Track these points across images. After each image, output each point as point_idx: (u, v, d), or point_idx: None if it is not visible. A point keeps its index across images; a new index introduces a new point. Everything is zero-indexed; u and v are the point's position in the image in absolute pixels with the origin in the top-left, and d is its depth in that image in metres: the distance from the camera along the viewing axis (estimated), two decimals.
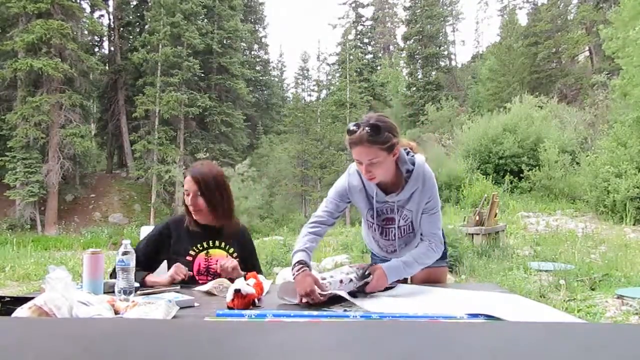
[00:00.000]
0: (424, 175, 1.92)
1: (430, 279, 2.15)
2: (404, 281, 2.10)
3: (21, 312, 1.27)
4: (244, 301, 1.50)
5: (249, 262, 2.23)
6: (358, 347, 0.72)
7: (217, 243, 2.19)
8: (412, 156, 1.95)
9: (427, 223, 1.97)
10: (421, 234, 2.01)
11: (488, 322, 1.30)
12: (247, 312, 1.42)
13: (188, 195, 2.15)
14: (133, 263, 1.63)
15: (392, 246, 2.08)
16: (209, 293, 1.79)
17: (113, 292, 1.65)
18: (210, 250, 2.17)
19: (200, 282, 2.04)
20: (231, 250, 2.20)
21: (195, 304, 1.61)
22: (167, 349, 0.70)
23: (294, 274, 1.73)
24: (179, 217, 2.27)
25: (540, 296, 5.14)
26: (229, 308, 1.50)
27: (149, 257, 2.14)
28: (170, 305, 1.37)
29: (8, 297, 1.46)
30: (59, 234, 20.66)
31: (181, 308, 1.47)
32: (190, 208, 2.15)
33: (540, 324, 1.25)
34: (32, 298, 1.32)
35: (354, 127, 1.78)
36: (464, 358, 0.67)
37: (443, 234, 2.04)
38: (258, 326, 1.02)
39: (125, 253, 1.62)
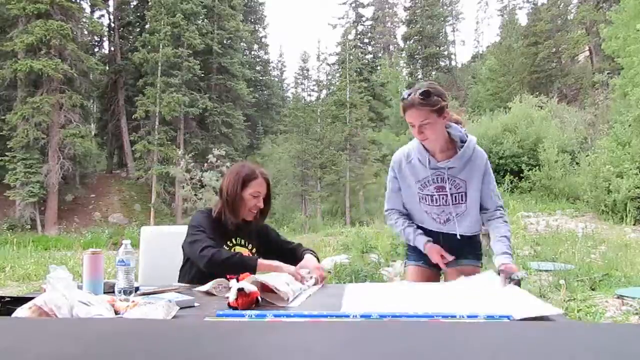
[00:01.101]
0: (475, 147, 2.10)
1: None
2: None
3: (21, 312, 1.27)
4: (247, 300, 1.49)
5: (280, 247, 2.28)
6: (358, 347, 0.72)
7: (240, 241, 2.22)
8: (465, 132, 2.11)
9: (489, 197, 2.14)
10: (486, 209, 2.15)
11: (488, 322, 1.30)
12: (248, 312, 1.42)
13: (257, 197, 2.14)
14: (133, 263, 1.63)
15: (444, 214, 2.16)
16: (208, 293, 1.79)
17: (113, 292, 1.65)
18: (236, 248, 2.20)
19: (229, 278, 2.05)
20: (250, 246, 2.24)
21: (195, 304, 1.61)
22: (167, 349, 0.70)
23: (424, 245, 2.13)
24: (206, 211, 2.24)
25: (540, 296, 5.14)
26: (233, 308, 1.49)
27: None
28: (170, 305, 1.37)
29: (8, 297, 1.46)
30: (59, 234, 20.65)
31: (181, 308, 1.47)
32: (255, 209, 2.16)
33: (541, 324, 1.25)
34: (32, 298, 1.32)
35: (407, 93, 1.98)
36: (464, 358, 0.67)
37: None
38: (258, 326, 1.02)
39: (125, 253, 1.62)
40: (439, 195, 2.12)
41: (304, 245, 2.38)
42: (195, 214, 2.25)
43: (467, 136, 2.09)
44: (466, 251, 2.20)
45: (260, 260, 1.96)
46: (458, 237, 2.16)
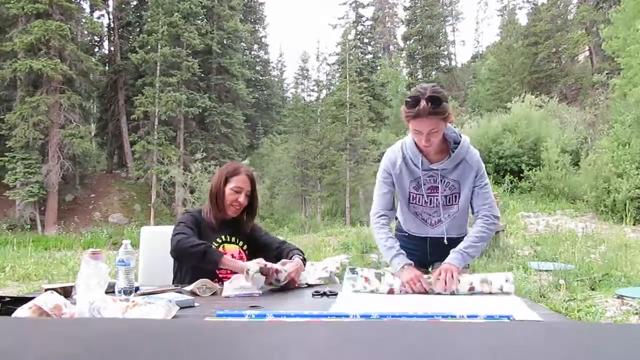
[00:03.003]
0: (469, 148, 2.04)
1: None
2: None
3: (21, 312, 1.27)
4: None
5: (269, 246, 2.28)
6: (358, 347, 0.72)
7: (229, 238, 2.24)
8: (459, 132, 2.06)
9: (480, 196, 2.06)
10: (475, 211, 2.09)
11: (488, 322, 1.30)
12: (247, 312, 1.42)
13: (239, 192, 2.16)
14: (133, 263, 1.64)
15: (436, 214, 2.12)
16: (193, 293, 1.79)
17: (113, 292, 1.65)
18: (226, 245, 2.21)
19: (220, 275, 2.08)
20: (241, 243, 2.26)
21: (195, 304, 1.61)
22: (167, 349, 0.70)
23: (401, 268, 1.90)
24: (195, 212, 2.28)
25: (541, 296, 5.14)
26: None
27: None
28: (170, 305, 1.37)
29: (8, 297, 1.46)
30: (59, 234, 20.64)
31: (181, 308, 1.47)
32: (237, 206, 2.17)
33: (540, 323, 1.25)
34: (32, 298, 1.32)
35: (414, 100, 1.85)
36: (464, 358, 0.67)
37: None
38: (258, 326, 1.02)
39: (125, 253, 1.62)
40: (433, 196, 2.08)
41: (304, 244, 2.39)
42: (181, 214, 2.28)
43: (460, 137, 2.05)
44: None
45: (225, 257, 1.99)
46: (445, 242, 2.10)
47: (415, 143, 2.02)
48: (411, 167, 2.05)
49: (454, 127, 2.08)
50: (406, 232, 2.22)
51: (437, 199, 2.07)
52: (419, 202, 2.10)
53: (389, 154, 2.12)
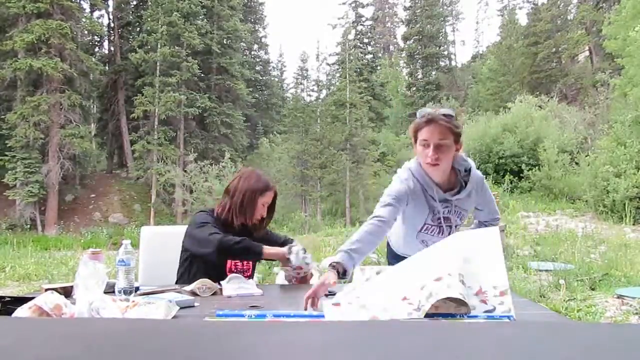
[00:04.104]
0: (478, 176, 2.04)
1: None
2: None
3: (21, 312, 1.27)
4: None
5: (279, 243, 2.39)
6: (358, 347, 0.72)
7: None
8: (466, 159, 2.03)
9: (484, 211, 2.14)
10: (480, 224, 2.16)
11: (488, 322, 1.30)
12: (247, 312, 1.42)
13: (265, 206, 2.30)
14: (133, 263, 1.64)
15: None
16: (193, 293, 1.79)
17: (113, 292, 1.65)
18: None
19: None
20: None
21: (195, 304, 1.61)
22: (167, 349, 0.70)
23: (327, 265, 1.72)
24: (209, 211, 2.34)
25: (541, 296, 5.14)
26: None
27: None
28: (170, 305, 1.37)
29: (8, 297, 1.46)
30: (59, 234, 20.65)
31: (181, 308, 1.47)
32: (261, 217, 2.31)
33: (540, 323, 1.25)
34: (32, 298, 1.32)
35: (426, 111, 1.89)
36: (464, 358, 0.67)
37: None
38: (258, 326, 1.02)
39: (125, 253, 1.62)
40: (445, 226, 2.07)
41: (304, 244, 2.40)
42: (198, 214, 2.33)
43: (469, 164, 2.05)
44: None
45: (265, 247, 2.13)
46: None
47: (423, 170, 1.94)
48: (428, 198, 1.99)
49: (465, 154, 2.07)
50: (402, 257, 2.10)
51: (448, 229, 2.07)
52: (430, 232, 2.09)
53: (404, 180, 1.97)
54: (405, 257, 2.05)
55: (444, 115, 1.85)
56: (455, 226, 2.09)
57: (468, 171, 2.00)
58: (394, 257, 2.25)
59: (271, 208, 2.35)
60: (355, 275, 1.70)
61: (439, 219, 2.04)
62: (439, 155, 1.84)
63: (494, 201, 2.16)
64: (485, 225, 2.12)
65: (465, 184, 2.00)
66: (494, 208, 2.15)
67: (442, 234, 2.07)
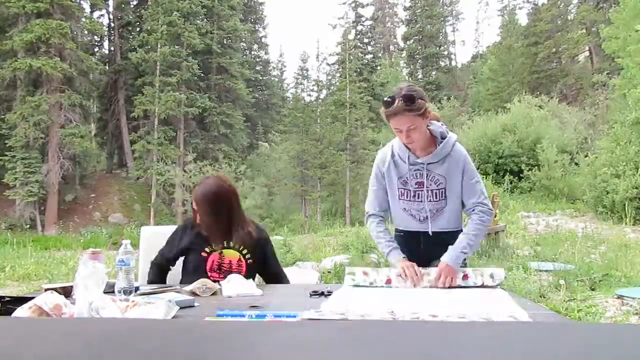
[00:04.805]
0: (455, 144, 2.10)
1: None
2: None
3: (21, 312, 1.27)
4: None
5: (267, 266, 2.36)
6: (358, 347, 0.72)
7: (231, 244, 2.25)
8: (447, 129, 2.14)
9: (470, 192, 2.11)
10: (468, 208, 2.14)
11: (488, 322, 1.30)
12: (248, 312, 1.42)
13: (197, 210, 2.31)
14: (133, 263, 1.64)
15: (423, 211, 2.15)
16: (193, 293, 1.79)
17: (113, 292, 1.64)
18: (224, 251, 2.23)
19: (212, 278, 2.07)
20: (245, 251, 2.25)
21: (195, 304, 1.61)
22: (167, 349, 0.70)
23: (398, 262, 2.01)
24: (187, 221, 2.41)
25: (540, 296, 5.14)
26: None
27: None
28: (170, 305, 1.37)
29: (8, 297, 1.46)
30: (58, 233, 20.65)
31: (181, 308, 1.47)
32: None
33: (540, 324, 1.25)
34: (32, 298, 1.32)
35: (389, 99, 1.94)
36: (464, 358, 0.67)
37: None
38: (258, 326, 1.02)
39: (125, 253, 1.62)
40: (420, 191, 2.12)
41: (304, 244, 2.42)
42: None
43: (447, 132, 2.11)
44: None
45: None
46: (430, 233, 2.15)
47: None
48: (399, 162, 2.13)
49: (442, 124, 2.14)
50: (402, 232, 2.25)
51: (423, 194, 2.12)
52: (406, 197, 2.15)
53: (380, 153, 2.21)
54: (403, 232, 2.24)
55: (405, 101, 1.90)
56: (431, 191, 2.10)
57: (444, 138, 2.08)
58: (396, 232, 2.31)
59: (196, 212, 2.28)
60: (345, 281, 1.98)
61: (411, 183, 2.12)
62: (411, 135, 1.98)
63: (481, 183, 2.15)
64: (473, 212, 2.10)
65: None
66: (480, 190, 2.12)
67: (418, 199, 2.13)
